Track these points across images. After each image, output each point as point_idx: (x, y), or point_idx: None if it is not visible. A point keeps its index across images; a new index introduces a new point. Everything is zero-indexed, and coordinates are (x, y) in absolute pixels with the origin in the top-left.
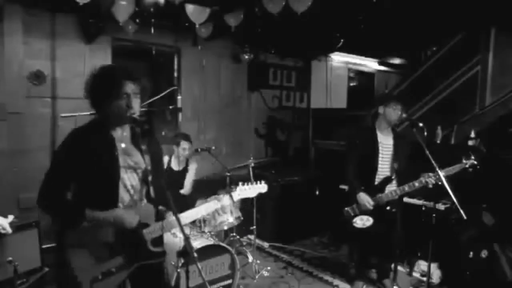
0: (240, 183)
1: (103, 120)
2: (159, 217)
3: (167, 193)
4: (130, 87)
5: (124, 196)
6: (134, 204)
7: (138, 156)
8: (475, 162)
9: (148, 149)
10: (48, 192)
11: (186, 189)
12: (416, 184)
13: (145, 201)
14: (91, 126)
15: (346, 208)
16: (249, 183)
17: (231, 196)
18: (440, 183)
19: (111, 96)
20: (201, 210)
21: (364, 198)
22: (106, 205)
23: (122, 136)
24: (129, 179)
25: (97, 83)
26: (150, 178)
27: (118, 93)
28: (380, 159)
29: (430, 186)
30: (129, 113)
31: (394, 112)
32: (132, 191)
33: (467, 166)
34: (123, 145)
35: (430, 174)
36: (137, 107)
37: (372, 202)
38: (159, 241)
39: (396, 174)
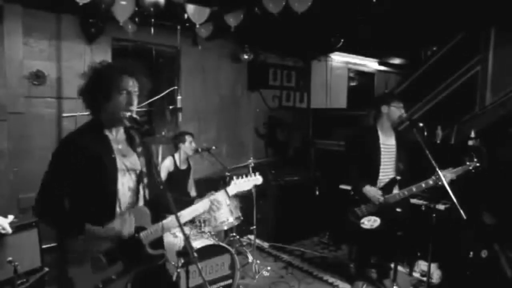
0: (235, 177)
1: (99, 121)
2: (156, 219)
3: (167, 193)
4: (129, 83)
5: (122, 198)
6: (131, 206)
7: (134, 158)
8: (478, 165)
9: (142, 152)
10: (45, 199)
11: (193, 191)
12: (423, 185)
13: (141, 203)
14: (85, 128)
15: (354, 209)
16: (244, 175)
17: (226, 191)
18: (440, 183)
19: (110, 92)
20: (197, 208)
21: (373, 191)
22: (104, 209)
23: (117, 137)
24: (127, 181)
25: (94, 79)
26: (145, 180)
27: (117, 89)
28: (382, 159)
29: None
30: (129, 112)
31: (398, 110)
32: (129, 193)
33: (470, 168)
34: (119, 146)
35: (439, 174)
36: (135, 105)
37: (381, 192)
38: (158, 243)
39: (401, 174)
